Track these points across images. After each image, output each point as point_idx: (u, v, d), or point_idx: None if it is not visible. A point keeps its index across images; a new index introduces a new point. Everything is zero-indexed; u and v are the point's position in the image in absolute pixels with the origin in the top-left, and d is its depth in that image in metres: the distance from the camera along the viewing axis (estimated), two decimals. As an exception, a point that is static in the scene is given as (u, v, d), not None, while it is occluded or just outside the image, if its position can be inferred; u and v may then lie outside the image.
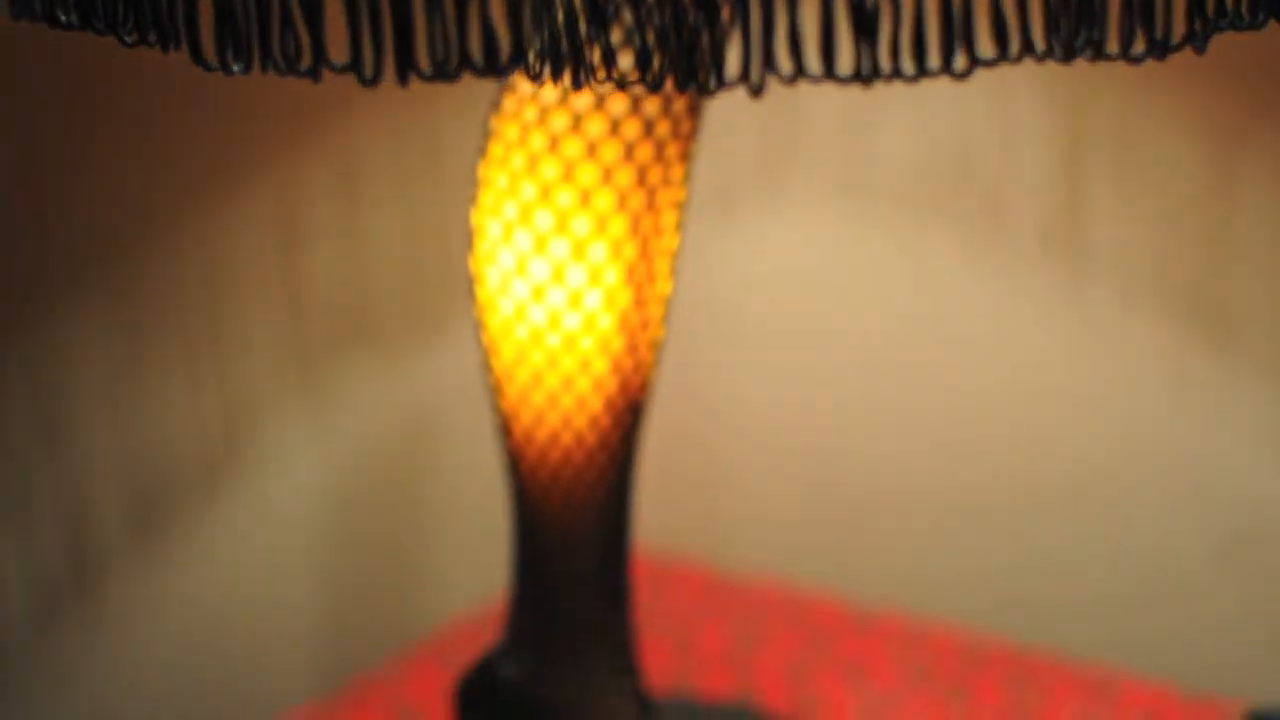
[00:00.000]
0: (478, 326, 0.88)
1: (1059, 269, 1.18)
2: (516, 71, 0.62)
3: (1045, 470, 1.23)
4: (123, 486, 1.24)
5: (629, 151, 0.82)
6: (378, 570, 1.36)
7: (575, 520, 0.88)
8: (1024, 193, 1.19)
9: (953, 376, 1.25)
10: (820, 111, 1.24)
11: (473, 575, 1.29)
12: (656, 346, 0.87)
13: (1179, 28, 0.67)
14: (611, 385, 0.85)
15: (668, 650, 1.18)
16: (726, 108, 1.19)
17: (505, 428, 0.87)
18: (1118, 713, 1.09)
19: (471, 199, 0.86)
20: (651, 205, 0.83)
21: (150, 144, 1.17)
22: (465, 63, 0.63)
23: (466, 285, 0.91)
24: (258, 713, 1.21)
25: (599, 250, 0.83)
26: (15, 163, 1.11)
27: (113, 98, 1.13)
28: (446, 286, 1.29)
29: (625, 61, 0.64)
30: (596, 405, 0.86)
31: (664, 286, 0.86)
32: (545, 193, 0.82)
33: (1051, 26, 0.63)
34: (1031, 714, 1.09)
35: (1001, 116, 1.18)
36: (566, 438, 0.86)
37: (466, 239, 0.88)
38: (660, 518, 1.28)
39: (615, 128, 0.81)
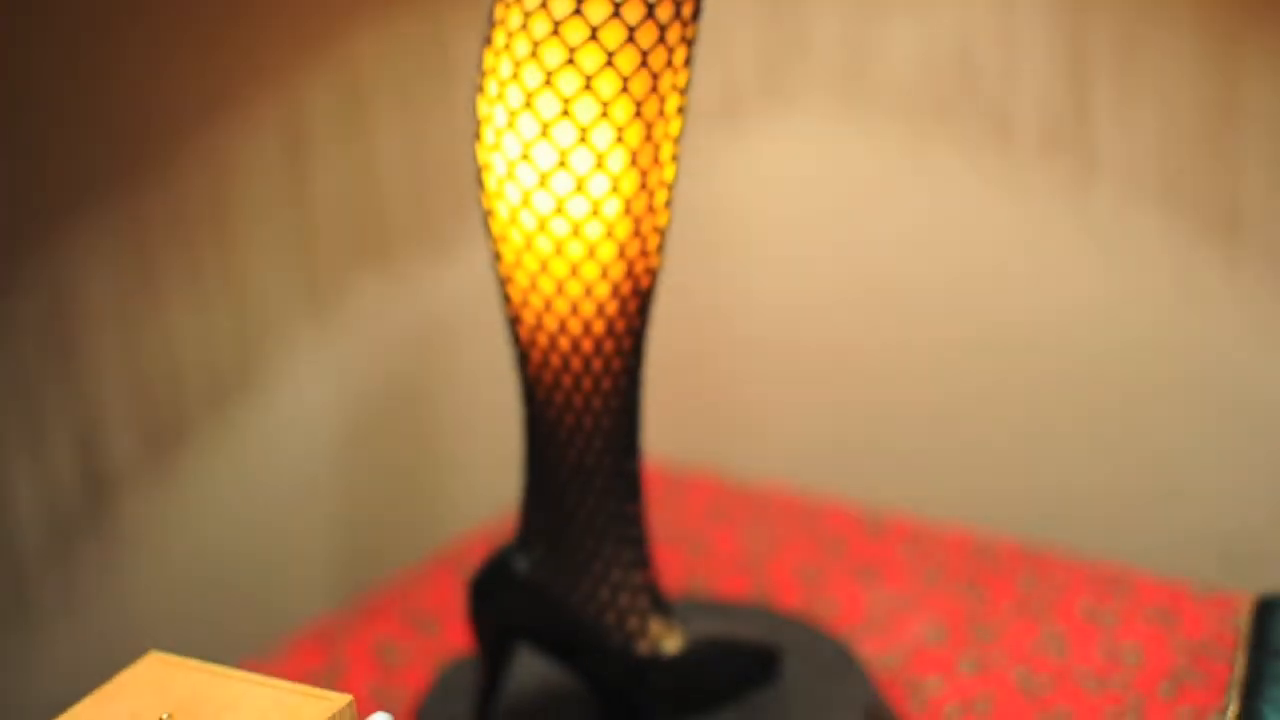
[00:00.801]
0: (486, 216, 0.88)
1: (1063, 172, 1.18)
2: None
3: (1054, 372, 1.23)
4: (134, 405, 1.24)
5: (631, 34, 0.82)
6: (392, 484, 1.37)
7: (584, 411, 0.88)
8: (1027, 96, 1.19)
9: (958, 281, 1.25)
10: (822, 18, 1.24)
11: (486, 489, 1.30)
12: (662, 233, 0.87)
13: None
14: (618, 271, 0.86)
15: (680, 556, 1.19)
16: (728, 11, 1.20)
17: (514, 318, 0.88)
18: (1131, 606, 1.09)
19: (478, 87, 0.86)
20: (655, 89, 0.83)
21: (156, 61, 1.17)
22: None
23: (474, 185, 0.91)
24: (275, 626, 1.22)
25: (603, 135, 0.83)
26: (21, 80, 1.11)
27: (119, 14, 1.13)
28: (455, 201, 1.30)
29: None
30: (603, 292, 0.86)
31: (669, 172, 0.86)
32: (549, 79, 0.82)
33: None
34: (1045, 608, 1.10)
35: (1005, 20, 1.18)
36: (574, 326, 0.86)
37: (473, 130, 0.88)
38: (670, 431, 1.28)
39: (617, 10, 0.81)
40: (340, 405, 1.34)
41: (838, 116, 1.25)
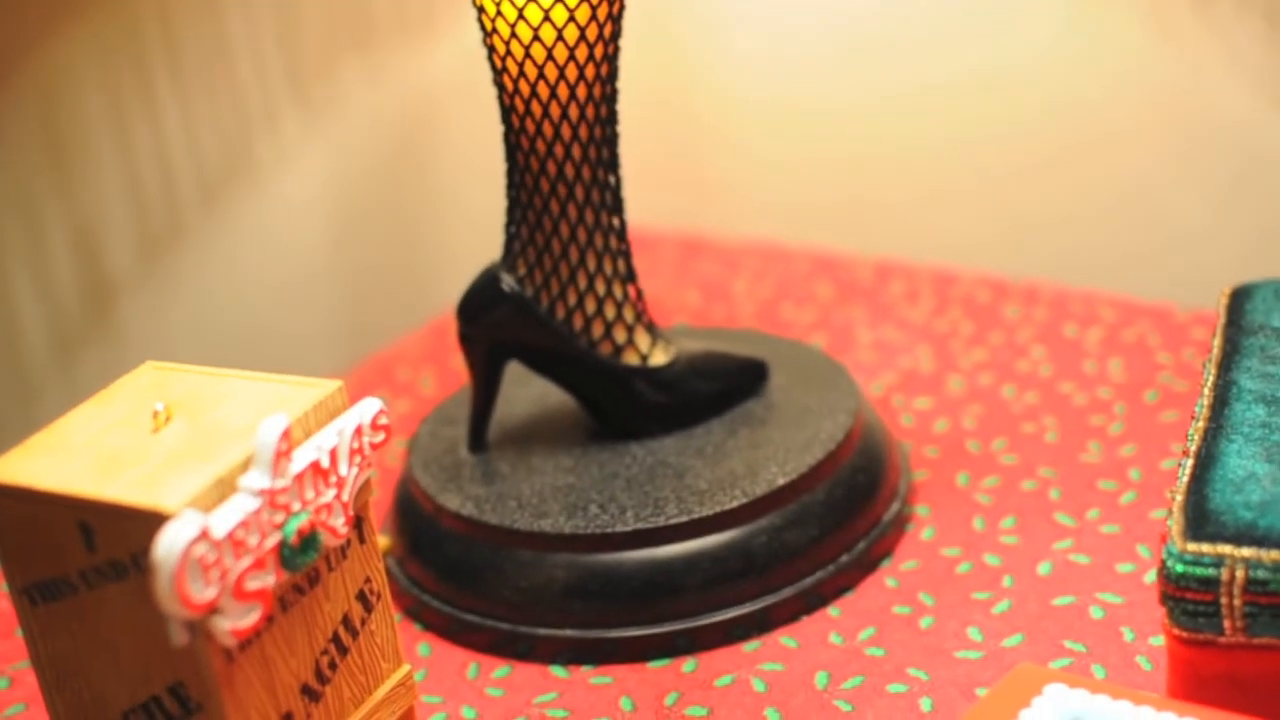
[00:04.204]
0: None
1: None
2: None
3: (1026, 114, 1.24)
4: (129, 211, 1.25)
5: None
6: (386, 262, 1.38)
7: (562, 120, 0.89)
8: None
9: (929, 28, 1.25)
10: None
11: (478, 259, 1.31)
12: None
13: None
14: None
15: (659, 308, 1.20)
16: None
17: (490, 30, 0.88)
18: (1115, 327, 1.10)
19: None
20: None
21: None
22: None
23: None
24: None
25: None
26: None
27: None
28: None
29: None
30: (575, -1, 0.87)
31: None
32: None
33: None
34: (1033, 334, 1.11)
35: None
36: (547, 34, 0.87)
37: None
38: (647, 193, 1.29)
39: None
40: (331, 192, 1.35)
41: None
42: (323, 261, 1.39)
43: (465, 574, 0.89)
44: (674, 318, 1.16)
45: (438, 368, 1.15)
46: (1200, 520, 0.72)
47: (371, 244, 1.39)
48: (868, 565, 0.90)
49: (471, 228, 1.34)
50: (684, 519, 0.87)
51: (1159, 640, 0.81)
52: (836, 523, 0.89)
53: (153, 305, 1.32)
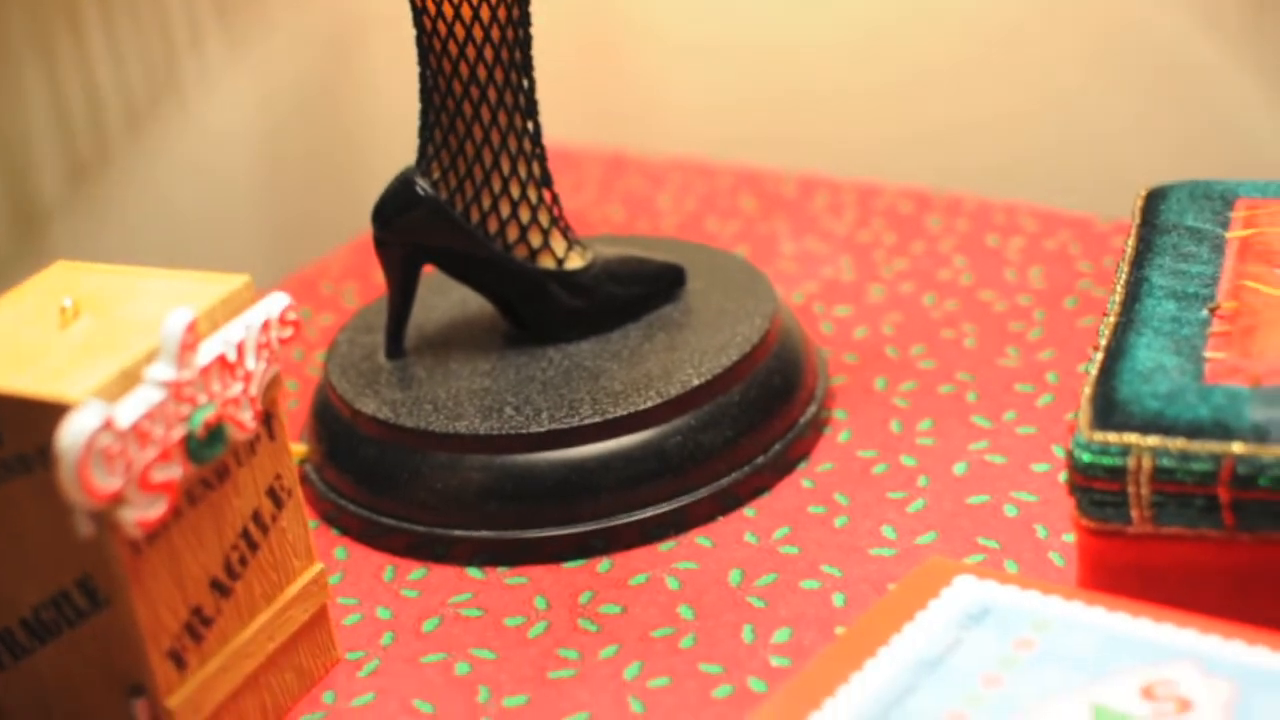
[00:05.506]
0: None
1: None
2: None
3: (953, 25, 1.24)
4: (55, 132, 1.24)
5: None
6: (314, 180, 1.37)
7: (472, 22, 0.89)
8: None
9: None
10: None
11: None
12: None
13: None
14: None
15: (584, 213, 1.20)
16: None
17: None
18: (1037, 236, 1.11)
19: None
20: None
21: None
22: None
23: None
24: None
25: None
26: None
27: None
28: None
29: None
30: None
31: None
32: None
33: None
34: (955, 245, 1.11)
35: None
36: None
37: None
38: (573, 112, 1.29)
39: None
40: (257, 115, 1.34)
41: None
42: (251, 184, 1.38)
43: (381, 478, 0.89)
44: (597, 231, 1.16)
45: (361, 282, 1.15)
46: (1108, 410, 0.72)
47: (299, 166, 1.39)
48: (784, 467, 0.91)
49: (400, 147, 1.33)
50: (598, 420, 0.87)
51: (1072, 538, 0.81)
52: (752, 424, 0.89)
53: (80, 231, 1.31)
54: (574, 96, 1.33)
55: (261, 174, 1.37)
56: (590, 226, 1.16)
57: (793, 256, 1.11)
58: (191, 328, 0.70)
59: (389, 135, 1.39)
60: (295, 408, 1.01)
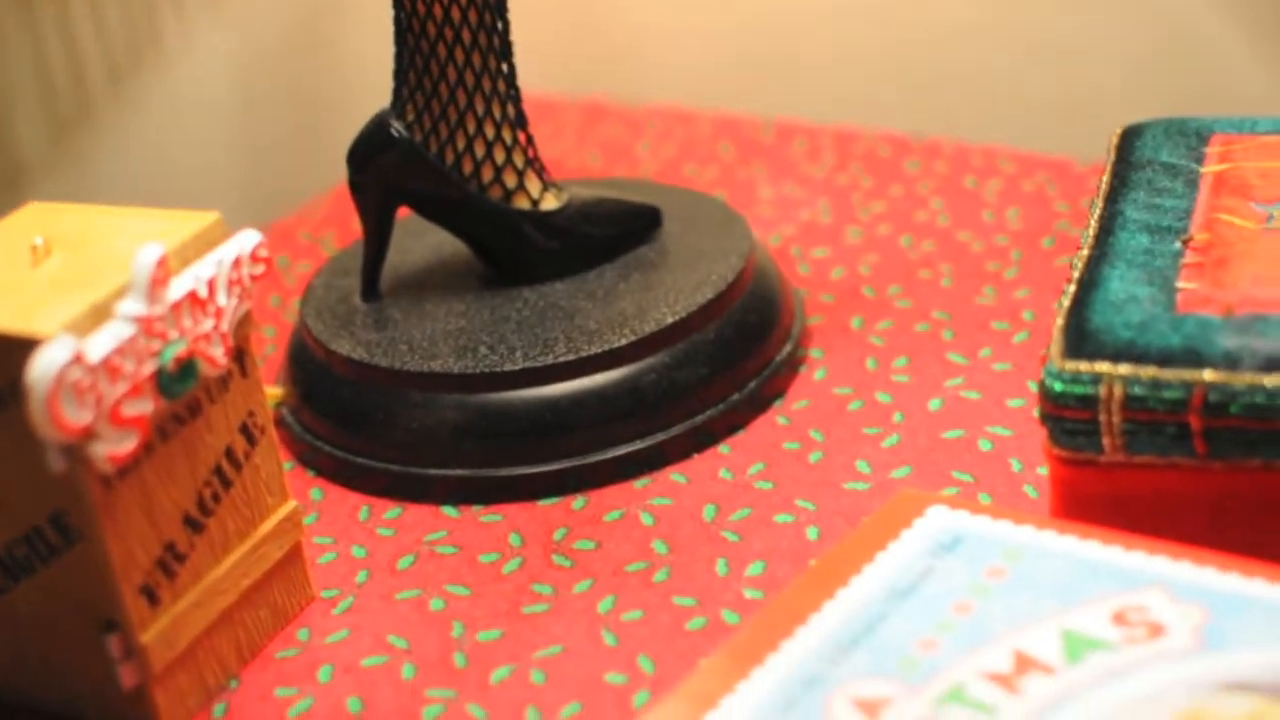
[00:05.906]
0: None
1: None
2: None
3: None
4: (37, 90, 1.24)
5: None
6: (295, 132, 1.37)
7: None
8: None
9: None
10: None
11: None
12: None
13: None
14: None
15: (562, 160, 1.19)
16: None
17: None
18: (1014, 179, 1.10)
19: None
20: None
21: None
22: None
23: None
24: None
25: None
26: None
27: None
28: None
29: None
30: None
31: None
32: None
33: None
34: (933, 188, 1.11)
35: None
36: None
37: None
38: (550, 61, 1.28)
39: None
40: (237, 66, 1.34)
41: None
42: (231, 136, 1.38)
43: (357, 418, 0.89)
44: (576, 178, 1.16)
45: (340, 230, 1.15)
46: (1080, 339, 0.72)
47: (279, 118, 1.38)
48: (759, 404, 0.91)
49: (380, 99, 1.33)
50: (572, 357, 0.87)
51: (1045, 470, 0.82)
52: (727, 362, 0.89)
53: (61, 187, 1.31)
54: (552, 45, 1.33)
55: (241, 125, 1.37)
56: (568, 173, 1.16)
57: (771, 201, 1.11)
58: (162, 263, 0.70)
59: (368, 86, 1.38)
60: (273, 354, 1.01)
